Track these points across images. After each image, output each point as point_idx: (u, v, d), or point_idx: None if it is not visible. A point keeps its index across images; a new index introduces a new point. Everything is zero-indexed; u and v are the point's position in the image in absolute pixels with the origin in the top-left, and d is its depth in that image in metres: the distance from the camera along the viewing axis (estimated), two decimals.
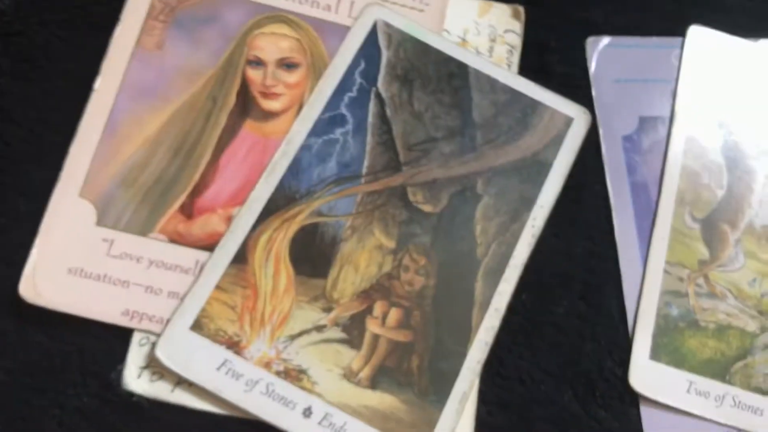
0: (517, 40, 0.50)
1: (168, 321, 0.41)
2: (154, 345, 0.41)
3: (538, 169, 0.47)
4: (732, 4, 0.52)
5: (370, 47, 0.48)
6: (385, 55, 0.48)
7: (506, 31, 0.50)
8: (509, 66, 0.49)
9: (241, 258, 0.43)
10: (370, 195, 0.45)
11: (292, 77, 0.47)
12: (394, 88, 0.47)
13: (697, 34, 0.51)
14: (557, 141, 0.47)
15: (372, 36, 0.48)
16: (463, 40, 0.49)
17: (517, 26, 0.50)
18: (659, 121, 0.49)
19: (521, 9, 0.50)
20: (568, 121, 0.48)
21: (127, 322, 0.41)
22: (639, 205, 0.47)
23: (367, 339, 0.43)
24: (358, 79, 0.47)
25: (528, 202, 0.46)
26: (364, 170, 0.46)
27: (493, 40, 0.49)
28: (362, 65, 0.47)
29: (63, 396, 0.40)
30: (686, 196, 0.47)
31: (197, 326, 0.41)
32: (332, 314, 0.43)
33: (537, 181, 0.46)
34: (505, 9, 0.50)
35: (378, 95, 0.47)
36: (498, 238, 0.45)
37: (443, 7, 0.50)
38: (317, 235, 0.44)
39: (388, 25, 0.48)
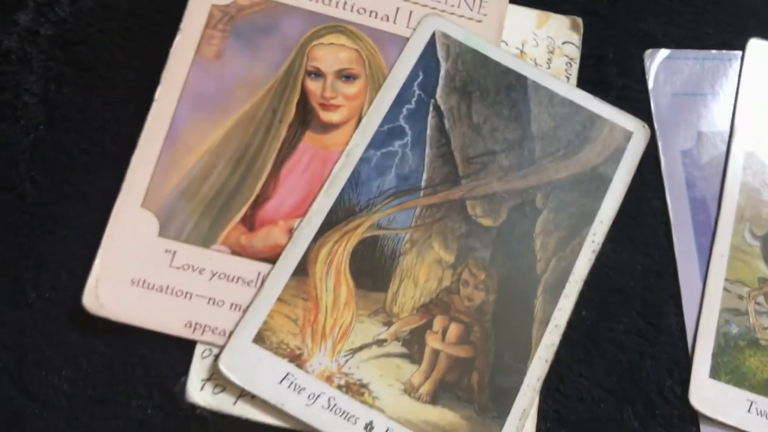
0: (575, 52, 0.49)
1: (231, 333, 0.41)
2: (216, 357, 0.41)
3: (598, 183, 0.46)
4: None
5: (428, 59, 0.48)
6: (443, 67, 0.48)
7: (564, 42, 0.49)
8: (568, 78, 0.49)
9: (302, 270, 0.43)
10: (429, 208, 0.45)
11: (351, 89, 0.47)
12: (452, 100, 0.47)
13: (757, 47, 0.50)
14: (617, 155, 0.47)
15: (430, 47, 0.48)
16: (522, 51, 0.49)
17: (576, 38, 0.50)
18: (718, 136, 0.49)
19: (579, 20, 0.50)
20: (628, 135, 0.47)
21: (190, 334, 0.41)
22: (698, 221, 0.47)
23: (427, 354, 0.43)
24: (416, 91, 0.47)
25: (588, 217, 0.46)
26: (423, 183, 0.45)
27: (551, 52, 0.49)
28: (421, 77, 0.47)
29: (126, 408, 0.41)
30: (746, 213, 0.47)
31: (260, 339, 0.41)
32: (392, 328, 0.43)
33: (597, 195, 0.46)
34: (563, 20, 0.50)
35: (437, 107, 0.47)
36: (558, 254, 0.45)
37: (501, 18, 0.49)
38: (377, 248, 0.44)
39: (446, 36, 0.48)
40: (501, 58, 0.48)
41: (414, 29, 0.48)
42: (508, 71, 0.48)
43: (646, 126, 0.48)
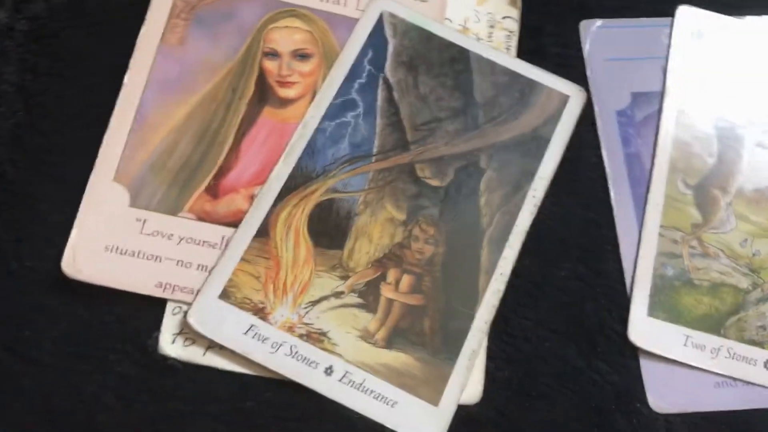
0: (514, 26, 0.53)
1: (198, 291, 0.45)
2: (186, 313, 0.44)
3: (538, 143, 0.50)
4: None
5: (377, 37, 0.51)
6: (391, 44, 0.51)
7: (504, 17, 0.53)
8: (508, 50, 0.53)
9: (263, 232, 0.46)
10: (381, 172, 0.49)
11: (306, 66, 0.50)
12: (400, 74, 0.51)
13: (685, 13, 0.54)
14: (555, 117, 0.51)
15: (378, 27, 0.52)
16: (464, 27, 0.53)
17: (515, 12, 0.53)
18: (651, 96, 0.52)
19: None
20: (564, 99, 0.51)
21: (161, 293, 0.45)
22: (634, 174, 0.50)
23: (382, 303, 0.46)
24: (367, 67, 0.51)
25: (529, 175, 0.49)
26: (375, 149, 0.49)
27: (492, 27, 0.53)
28: (370, 54, 0.51)
29: (105, 362, 0.44)
30: (678, 165, 0.50)
31: (225, 295, 0.45)
32: (349, 281, 0.46)
33: (537, 155, 0.50)
34: None
35: (386, 81, 0.51)
36: (501, 209, 0.48)
37: None
38: (333, 210, 0.48)
39: (393, 15, 0.52)
40: (444, 34, 0.52)
41: (363, 11, 0.52)
42: (451, 45, 0.52)
43: (582, 90, 0.51)
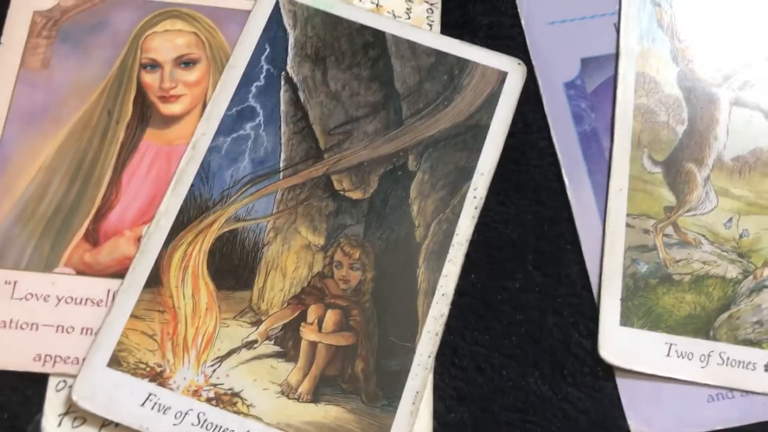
0: None
1: (83, 360, 0.38)
2: (71, 388, 0.38)
3: (474, 133, 0.42)
4: None
5: (274, 29, 0.44)
6: (291, 35, 0.44)
7: None
8: (431, 26, 0.45)
9: (155, 280, 0.39)
10: (292, 190, 0.41)
11: (192, 75, 0.43)
12: (305, 70, 0.43)
13: None
14: (492, 100, 0.43)
15: (275, 16, 0.44)
16: (377, 5, 0.45)
17: None
18: (604, 60, 0.44)
19: None
20: (502, 77, 0.43)
21: (40, 367, 0.38)
22: (591, 156, 0.43)
23: (303, 349, 0.39)
24: (264, 66, 0.43)
25: (466, 172, 0.42)
26: (282, 164, 0.42)
27: (409, 1, 0.45)
28: (267, 50, 0.43)
29: None
30: (643, 138, 0.43)
31: (115, 362, 0.38)
32: (262, 327, 0.39)
33: (474, 147, 0.42)
34: None
35: (288, 80, 0.43)
36: (437, 216, 0.41)
37: None
38: (237, 243, 0.40)
39: (291, 1, 0.44)
40: (354, 16, 0.44)
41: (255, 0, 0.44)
42: (363, 29, 0.44)
43: (522, 63, 0.44)
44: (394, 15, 0.45)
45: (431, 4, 0.45)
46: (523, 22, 0.45)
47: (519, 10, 0.45)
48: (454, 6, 0.45)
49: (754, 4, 0.45)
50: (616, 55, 0.44)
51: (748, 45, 0.44)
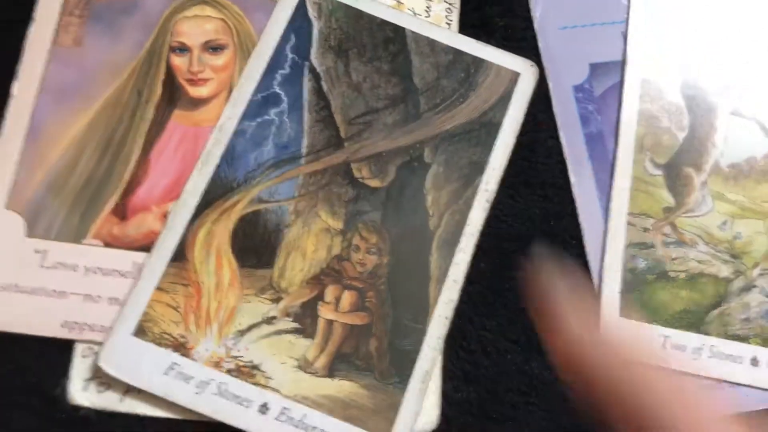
0: None
1: (110, 329, 0.39)
2: (97, 355, 0.39)
3: (487, 130, 0.45)
4: None
5: (299, 19, 0.45)
6: (316, 27, 0.45)
7: None
8: (449, 25, 0.47)
9: (180, 256, 0.41)
10: (313, 175, 0.43)
11: (220, 60, 0.44)
12: (328, 61, 0.45)
13: None
14: (505, 99, 0.45)
15: (301, 7, 0.46)
16: (398, 2, 0.47)
17: None
18: (611, 66, 0.47)
19: None
20: (515, 77, 0.45)
21: (67, 333, 0.40)
22: (596, 157, 0.45)
23: (320, 326, 0.41)
24: (289, 55, 0.45)
25: (479, 166, 0.44)
26: (304, 150, 0.43)
27: (429, 0, 0.47)
28: (293, 40, 0.45)
29: (6, 419, 0.39)
30: (645, 142, 0.45)
31: (140, 331, 0.39)
32: (281, 304, 0.41)
33: (487, 143, 0.44)
34: None
35: (312, 69, 0.45)
36: (451, 207, 0.43)
37: None
38: (259, 223, 0.42)
39: None
40: (376, 11, 0.46)
41: None
42: (384, 24, 0.46)
43: (534, 65, 0.46)
44: (414, 12, 0.47)
45: (450, 4, 0.47)
46: (536, 26, 0.47)
47: (532, 14, 0.47)
48: (472, 7, 0.47)
49: (754, 20, 0.47)
50: (623, 62, 0.46)
51: (746, 58, 0.47)
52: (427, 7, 0.47)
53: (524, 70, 0.46)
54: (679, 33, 0.47)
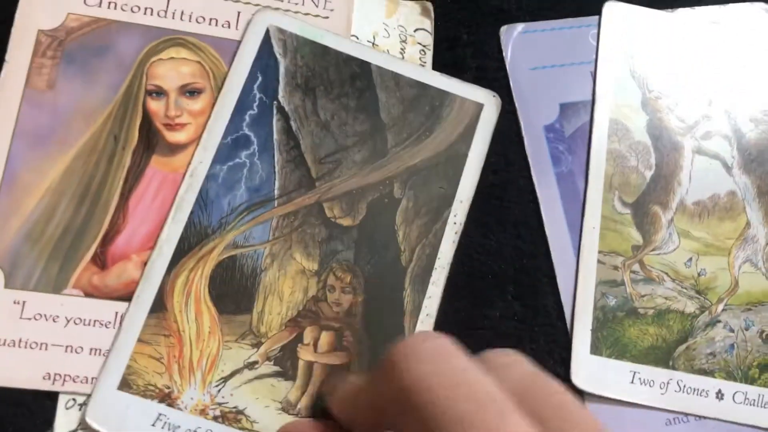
0: (428, 38, 0.48)
1: (94, 382, 0.40)
2: (81, 407, 0.39)
3: (454, 162, 0.45)
4: None
5: (265, 57, 0.46)
6: (282, 64, 0.46)
7: (417, 30, 0.48)
8: (423, 66, 0.47)
9: (159, 306, 0.41)
10: (286, 217, 0.44)
11: (197, 104, 0.45)
12: (296, 99, 0.45)
13: (613, 9, 0.49)
14: (469, 130, 0.46)
15: (266, 45, 0.46)
16: (374, 44, 0.47)
17: (427, 23, 0.48)
18: (581, 106, 0.48)
19: (430, 5, 0.48)
20: (478, 108, 0.46)
21: (50, 385, 0.40)
22: (567, 195, 0.46)
23: (301, 368, 0.42)
24: (257, 94, 0.45)
25: (447, 199, 0.45)
26: (276, 192, 0.44)
27: (404, 41, 0.48)
28: (260, 78, 0.45)
29: None
30: (614, 181, 0.46)
31: (125, 384, 0.40)
32: (262, 349, 0.42)
33: (454, 174, 0.45)
34: (413, 6, 0.48)
35: (280, 109, 0.45)
36: (421, 241, 0.44)
37: (349, 12, 0.47)
38: (236, 268, 0.43)
39: (281, 30, 0.46)
40: (341, 47, 0.46)
41: (246, 28, 0.46)
42: (350, 59, 0.46)
43: (497, 96, 0.46)
44: (389, 53, 0.47)
45: (424, 46, 0.48)
46: (507, 67, 0.48)
47: (504, 54, 0.48)
48: (446, 48, 0.48)
49: (716, 62, 0.49)
50: (592, 102, 0.48)
51: (708, 98, 0.48)
52: (402, 49, 0.47)
53: (487, 101, 0.46)
54: (645, 73, 0.48)
